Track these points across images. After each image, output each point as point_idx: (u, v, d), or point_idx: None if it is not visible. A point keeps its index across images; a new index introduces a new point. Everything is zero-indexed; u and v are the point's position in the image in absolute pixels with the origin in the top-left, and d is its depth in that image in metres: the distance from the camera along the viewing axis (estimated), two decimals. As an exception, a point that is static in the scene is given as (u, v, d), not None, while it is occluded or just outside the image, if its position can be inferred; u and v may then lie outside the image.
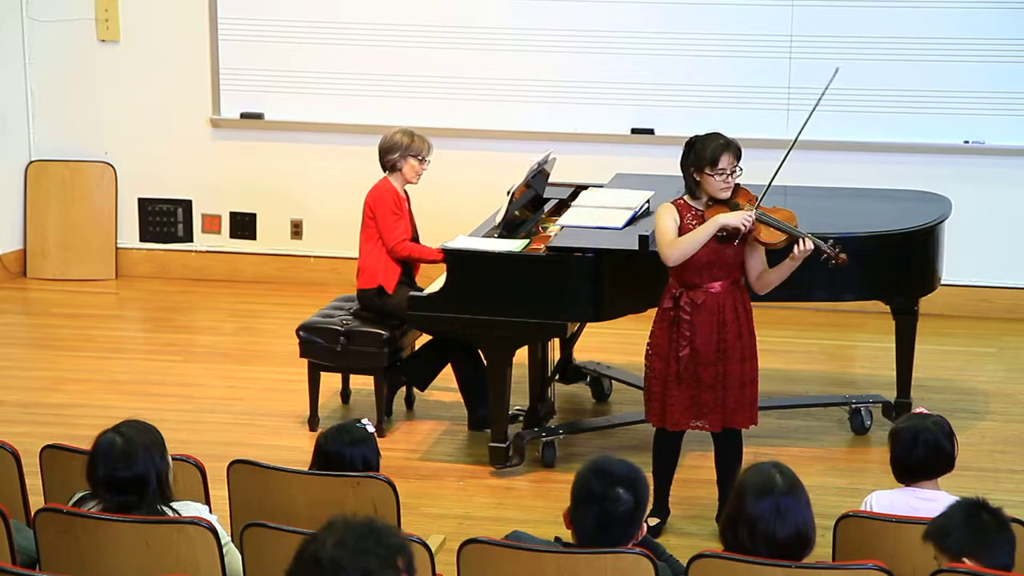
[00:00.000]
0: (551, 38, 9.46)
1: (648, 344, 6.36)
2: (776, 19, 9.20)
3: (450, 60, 9.56)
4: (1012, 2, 9.02)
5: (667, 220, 6.21)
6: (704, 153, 6.14)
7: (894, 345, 7.44)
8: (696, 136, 6.25)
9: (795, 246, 6.16)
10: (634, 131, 9.43)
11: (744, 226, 6.10)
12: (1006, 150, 9.18)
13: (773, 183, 6.38)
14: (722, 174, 6.13)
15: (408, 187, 7.69)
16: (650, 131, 9.40)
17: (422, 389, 7.74)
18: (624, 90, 9.44)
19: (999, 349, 8.85)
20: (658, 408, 6.33)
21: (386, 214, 7.51)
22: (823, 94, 6.30)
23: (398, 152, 7.58)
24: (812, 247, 6.15)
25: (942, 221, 7.37)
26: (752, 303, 6.37)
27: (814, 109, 6.31)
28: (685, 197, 6.28)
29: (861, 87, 9.19)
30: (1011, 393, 8.11)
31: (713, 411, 6.27)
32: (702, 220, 6.18)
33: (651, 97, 9.42)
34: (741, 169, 6.18)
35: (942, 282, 7.54)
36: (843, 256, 6.23)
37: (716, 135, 6.20)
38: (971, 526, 4.30)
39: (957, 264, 8.63)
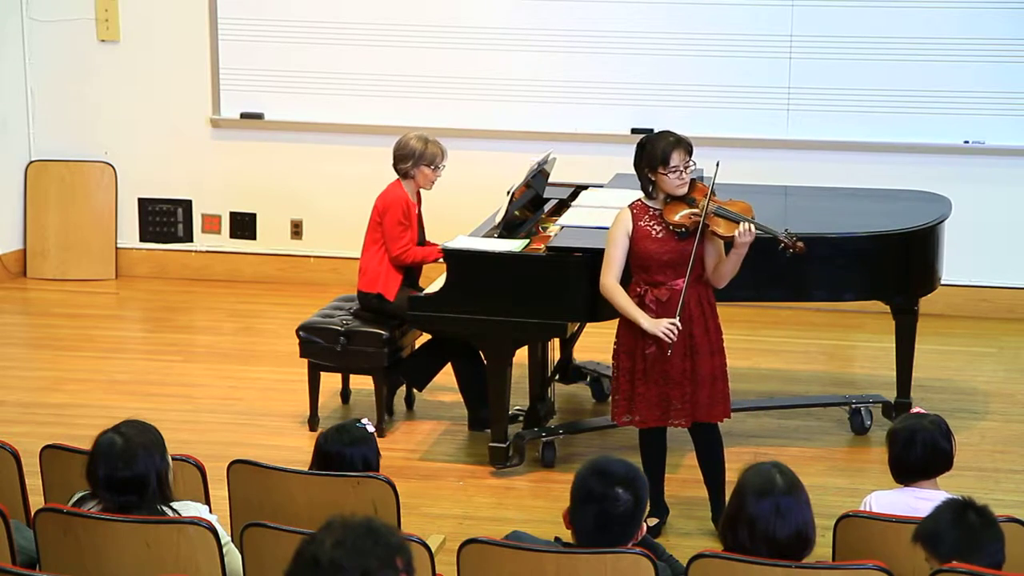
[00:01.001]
0: (551, 38, 9.46)
1: (615, 342, 6.36)
2: (776, 19, 9.20)
3: (450, 60, 9.56)
4: (1012, 2, 9.02)
5: (617, 242, 6.23)
6: (655, 153, 6.15)
7: (894, 345, 7.44)
8: (646, 136, 6.27)
9: (735, 234, 6.14)
10: (634, 131, 9.42)
11: (666, 337, 6.10)
12: (1006, 150, 9.18)
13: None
14: (675, 171, 6.13)
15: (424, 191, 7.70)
16: (650, 131, 9.34)
17: (420, 389, 7.74)
18: (624, 90, 9.45)
19: (999, 349, 8.85)
20: (625, 405, 6.33)
21: (393, 224, 7.50)
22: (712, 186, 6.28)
23: (410, 161, 7.56)
24: (752, 232, 6.11)
25: (942, 221, 7.37)
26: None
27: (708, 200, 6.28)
28: (642, 198, 6.29)
29: (861, 87, 9.20)
30: (1011, 393, 8.11)
31: (682, 407, 6.26)
32: (660, 219, 6.19)
33: (651, 97, 9.42)
34: (694, 163, 6.18)
35: (942, 282, 7.53)
36: (800, 244, 6.23)
37: (666, 133, 6.21)
38: (959, 529, 4.28)
39: (957, 264, 8.63)
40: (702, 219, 6.12)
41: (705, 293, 6.29)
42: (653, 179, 6.19)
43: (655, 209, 6.23)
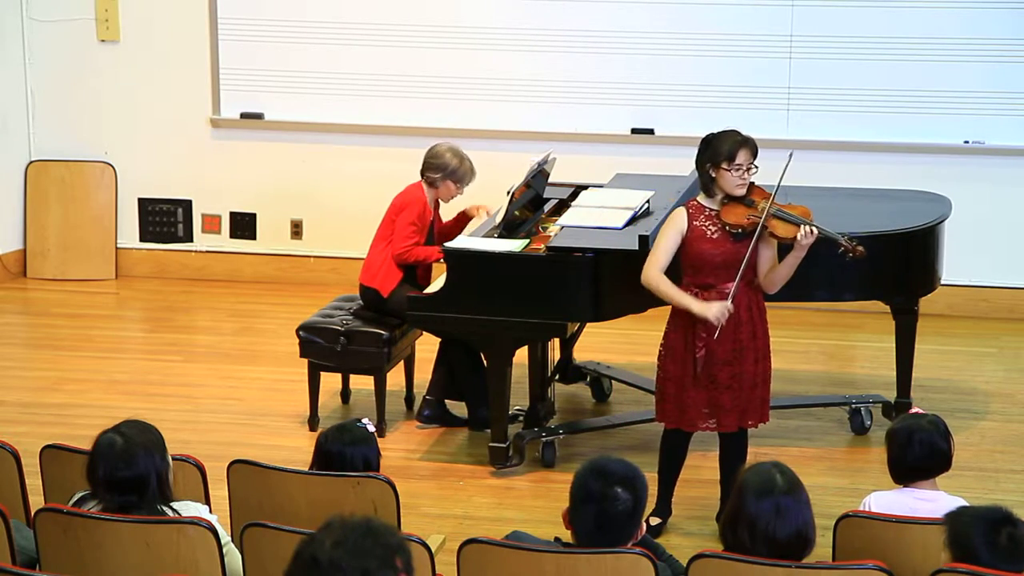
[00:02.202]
0: (551, 38, 9.46)
1: (661, 345, 6.34)
2: (776, 19, 9.20)
3: (450, 60, 9.56)
4: (1012, 2, 9.02)
5: (668, 238, 6.21)
6: (721, 149, 6.13)
7: (894, 345, 7.44)
8: (712, 133, 6.25)
9: (797, 235, 6.14)
10: (634, 131, 9.43)
11: (719, 322, 6.10)
12: (1006, 150, 9.18)
13: (764, 183, 6.34)
14: (739, 170, 6.12)
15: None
16: (650, 131, 9.40)
17: (461, 399, 7.69)
18: (624, 90, 9.44)
19: (999, 349, 8.85)
20: (673, 410, 6.31)
21: (406, 223, 7.50)
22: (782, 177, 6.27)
23: (440, 173, 7.57)
24: (814, 234, 6.12)
25: (942, 221, 7.37)
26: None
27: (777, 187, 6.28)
28: (699, 197, 6.27)
29: (861, 87, 9.19)
30: (1011, 393, 8.11)
31: (731, 411, 6.26)
32: (716, 219, 6.18)
33: (651, 97, 9.42)
34: (757, 167, 6.18)
35: (942, 282, 7.54)
36: (860, 249, 6.24)
37: (733, 132, 6.20)
38: (993, 545, 4.25)
39: (957, 264, 8.63)
40: (761, 220, 6.11)
41: (755, 298, 6.28)
42: (714, 176, 6.17)
43: (711, 209, 6.22)
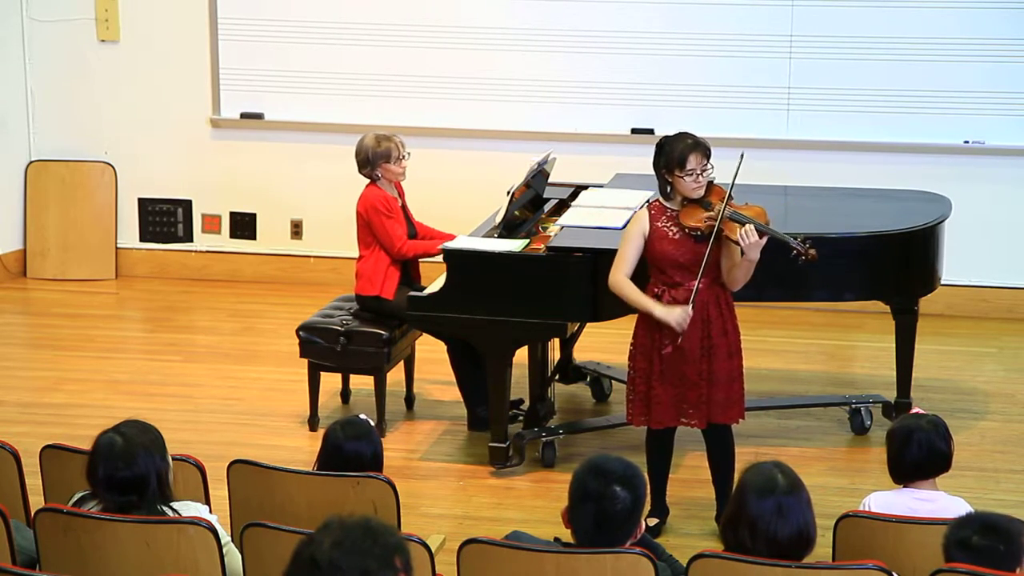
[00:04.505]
0: (551, 38, 9.46)
1: (631, 344, 6.35)
2: (776, 19, 9.20)
3: (450, 60, 9.56)
4: (1012, 2, 9.02)
5: (632, 242, 6.22)
6: (673, 155, 6.13)
7: (894, 345, 7.44)
8: (665, 137, 6.24)
9: (740, 239, 6.12)
10: (634, 131, 9.43)
11: (680, 328, 6.11)
12: (1006, 150, 9.18)
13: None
14: (691, 175, 6.12)
15: (403, 183, 7.67)
16: (650, 131, 9.39)
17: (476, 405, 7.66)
18: (624, 90, 9.44)
19: (999, 349, 8.85)
20: (642, 407, 6.32)
21: (379, 221, 7.48)
22: (735, 179, 6.25)
23: (369, 166, 7.55)
24: (757, 236, 6.08)
25: (942, 221, 7.37)
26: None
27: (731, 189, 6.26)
28: (660, 198, 6.28)
29: (861, 87, 9.19)
30: (1011, 393, 8.11)
31: (698, 408, 6.26)
32: (676, 221, 6.18)
33: (651, 97, 9.42)
34: (712, 167, 6.17)
35: (942, 282, 7.53)
36: (812, 252, 6.21)
37: (684, 136, 6.19)
38: (965, 548, 4.25)
39: (957, 264, 8.63)
40: (717, 224, 6.10)
41: (723, 295, 6.28)
42: (670, 180, 6.18)
43: (672, 210, 6.22)
